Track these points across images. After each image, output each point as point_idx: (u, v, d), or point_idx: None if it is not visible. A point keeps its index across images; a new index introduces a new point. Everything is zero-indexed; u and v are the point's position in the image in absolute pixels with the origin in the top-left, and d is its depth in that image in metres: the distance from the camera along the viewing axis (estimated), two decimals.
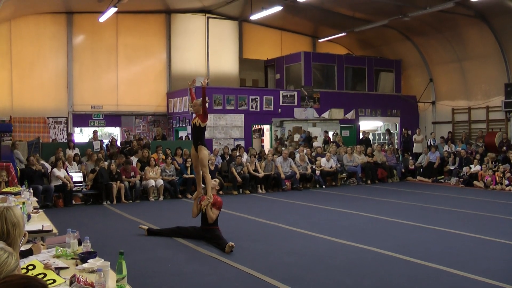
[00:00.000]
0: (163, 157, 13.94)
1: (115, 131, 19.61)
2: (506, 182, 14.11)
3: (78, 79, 17.82)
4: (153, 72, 19.25)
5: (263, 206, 11.76)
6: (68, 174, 12.03)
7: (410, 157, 17.96)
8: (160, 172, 13.07)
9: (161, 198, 12.77)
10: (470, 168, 15.51)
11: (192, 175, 13.11)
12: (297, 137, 19.47)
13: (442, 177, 16.67)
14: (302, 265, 6.21)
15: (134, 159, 13.52)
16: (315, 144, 17.57)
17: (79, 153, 13.56)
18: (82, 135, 19.20)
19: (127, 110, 18.61)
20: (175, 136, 18.60)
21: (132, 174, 12.64)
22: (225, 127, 17.49)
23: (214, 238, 7.27)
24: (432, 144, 18.31)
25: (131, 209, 11.17)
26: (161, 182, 12.78)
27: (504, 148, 16.62)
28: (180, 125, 18.28)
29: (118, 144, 16.00)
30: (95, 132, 15.49)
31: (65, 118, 17.66)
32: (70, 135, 15.76)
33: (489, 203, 11.78)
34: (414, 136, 19.43)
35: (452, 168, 16.67)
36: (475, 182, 15.02)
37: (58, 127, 17.50)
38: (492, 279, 5.43)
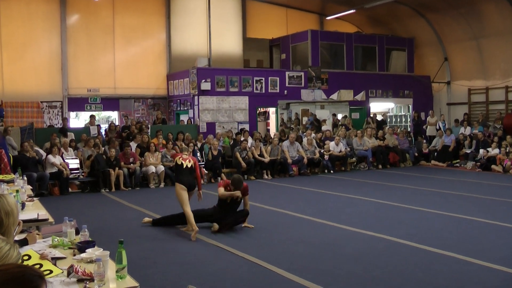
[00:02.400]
0: (164, 142, 13.93)
1: (113, 115, 19.60)
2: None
3: (73, 61, 17.77)
4: (152, 53, 19.16)
5: (269, 192, 11.77)
6: (64, 160, 12.05)
7: (424, 140, 17.88)
8: (161, 157, 13.07)
9: (162, 185, 12.80)
10: (488, 151, 15.43)
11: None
12: (304, 120, 19.41)
13: (457, 161, 16.60)
14: (310, 254, 6.21)
15: (133, 145, 13.53)
16: (324, 127, 17.51)
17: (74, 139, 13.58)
18: (78, 120, 19.20)
19: (125, 93, 18.58)
20: (176, 120, 18.58)
21: (131, 160, 12.66)
22: (229, 110, 17.45)
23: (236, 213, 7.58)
24: (442, 127, 18.20)
25: (131, 196, 11.20)
26: (162, 168, 12.80)
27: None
28: (181, 108, 18.25)
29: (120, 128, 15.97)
30: (92, 117, 15.48)
31: (60, 102, 17.64)
32: (65, 120, 15.74)
33: (508, 188, 11.73)
34: (427, 118, 19.31)
35: (468, 151, 16.58)
36: (493, 166, 14.95)
37: (53, 111, 17.50)
38: (511, 268, 5.41)
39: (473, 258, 5.81)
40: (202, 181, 12.90)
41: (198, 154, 13.81)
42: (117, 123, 17.30)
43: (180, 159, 7.93)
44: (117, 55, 18.45)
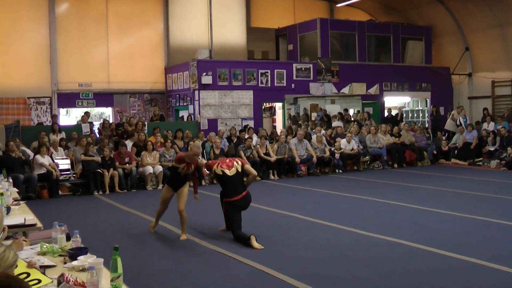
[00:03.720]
0: (162, 140, 13.92)
1: (107, 112, 19.63)
2: None
3: (62, 54, 17.78)
4: (149, 44, 19.17)
5: (275, 194, 11.74)
6: (53, 161, 12.06)
7: (443, 137, 17.81)
8: (159, 157, 13.07)
9: (160, 186, 12.78)
10: None
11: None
12: (313, 115, 19.37)
13: (480, 159, 16.52)
14: (321, 260, 6.18)
15: (129, 143, 13.54)
16: (335, 123, 17.47)
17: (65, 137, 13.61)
18: (69, 117, 19.24)
19: (119, 88, 18.60)
20: (175, 117, 18.60)
21: (127, 160, 12.66)
22: (232, 106, 17.44)
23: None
24: (463, 122, 18.11)
25: (126, 199, 11.20)
26: (160, 168, 12.79)
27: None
28: (180, 104, 18.26)
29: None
30: (86, 114, 15.50)
31: (49, 98, 17.67)
32: (55, 117, 15.76)
33: None
34: (453, 112, 19.15)
35: (492, 149, 16.49)
36: None
37: (41, 108, 17.53)
38: None
39: (498, 265, 5.76)
40: (203, 183, 13.03)
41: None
42: (111, 120, 17.31)
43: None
44: (111, 46, 18.47)
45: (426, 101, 21.69)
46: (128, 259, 5.88)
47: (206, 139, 14.73)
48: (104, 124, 15.39)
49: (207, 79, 16.88)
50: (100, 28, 18.33)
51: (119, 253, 3.14)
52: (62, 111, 18.59)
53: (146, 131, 14.57)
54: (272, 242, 7.16)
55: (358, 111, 19.18)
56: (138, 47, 18.92)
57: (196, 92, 17.03)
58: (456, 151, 17.15)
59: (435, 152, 17.01)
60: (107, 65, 18.46)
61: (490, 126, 17.84)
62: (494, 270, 5.63)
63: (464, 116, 18.89)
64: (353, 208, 9.64)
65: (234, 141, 15.22)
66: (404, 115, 21.62)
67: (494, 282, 5.28)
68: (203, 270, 5.90)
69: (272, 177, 14.09)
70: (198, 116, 16.88)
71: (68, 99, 17.98)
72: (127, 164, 12.61)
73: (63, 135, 13.78)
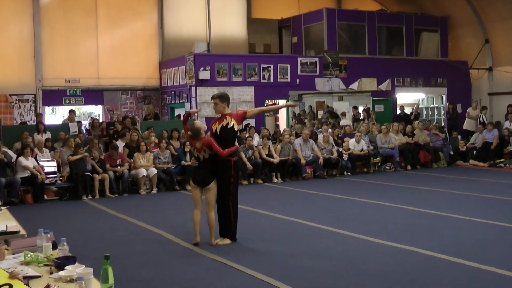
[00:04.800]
0: (156, 140, 13.91)
1: (97, 110, 19.65)
2: None
3: (48, 48, 17.79)
4: (142, 37, 19.18)
5: (279, 198, 11.73)
6: (38, 163, 12.06)
7: (460, 136, 17.78)
8: (153, 159, 13.07)
9: (155, 190, 12.80)
10: None
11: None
12: (320, 113, 19.37)
13: (501, 160, 16.49)
14: (328, 270, 6.17)
15: (120, 144, 13.54)
16: (343, 122, 17.45)
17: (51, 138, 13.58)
18: (55, 115, 19.25)
19: (110, 84, 18.61)
20: (171, 115, 18.60)
21: (118, 162, 12.67)
22: (232, 103, 17.21)
23: None
24: (484, 121, 18.11)
25: (118, 204, 11.18)
26: (154, 171, 12.80)
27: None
28: (176, 101, 18.27)
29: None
30: (71, 112, 15.49)
31: (33, 96, 17.69)
32: (39, 115, 15.77)
33: None
34: (468, 110, 19.16)
35: None
36: None
37: (24, 106, 17.54)
38: None
39: None
40: None
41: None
42: (101, 119, 17.32)
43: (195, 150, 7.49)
44: (101, 39, 18.48)
45: (442, 97, 21.68)
46: (120, 268, 5.87)
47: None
48: (94, 124, 15.40)
49: (204, 75, 16.88)
50: (89, 20, 18.35)
51: (110, 263, 3.14)
52: (48, 109, 18.61)
53: (139, 130, 14.56)
54: (275, 250, 7.15)
55: (368, 109, 19.16)
56: (130, 40, 18.94)
57: (193, 88, 17.04)
58: (475, 152, 17.12)
59: (451, 152, 16.99)
60: (97, 59, 18.47)
61: None
62: None
63: (485, 115, 18.87)
64: (362, 214, 9.62)
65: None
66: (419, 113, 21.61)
67: None
68: (201, 281, 5.89)
69: (275, 180, 14.07)
70: (195, 114, 16.86)
71: (54, 97, 17.99)
72: (119, 167, 12.61)
73: (48, 135, 13.77)
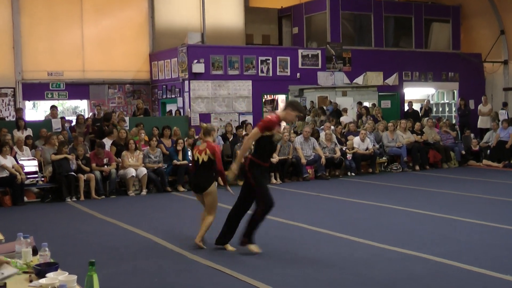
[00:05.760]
0: (146, 138, 13.89)
1: (82, 105, 19.60)
2: None
3: (28, 38, 17.71)
4: (131, 27, 19.13)
5: (278, 200, 11.58)
6: (17, 162, 12.03)
7: (472, 135, 17.79)
8: (143, 158, 13.07)
9: (144, 191, 12.79)
10: None
11: (185, 161, 13.17)
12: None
13: None
14: (330, 278, 6.18)
15: (107, 142, 13.53)
16: (343, 118, 17.45)
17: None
18: (36, 111, 19.20)
19: (96, 78, 18.56)
20: (162, 111, 18.57)
21: (105, 161, 12.65)
22: (227, 98, 17.42)
23: None
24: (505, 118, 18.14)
25: (105, 206, 11.16)
26: (144, 171, 12.79)
27: None
28: (167, 96, 18.24)
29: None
30: (53, 108, 15.44)
31: (12, 89, 17.62)
32: (19, 111, 15.72)
33: None
34: (479, 107, 19.20)
35: None
36: None
37: (3, 101, 17.49)
38: None
39: None
40: None
41: (190, 153, 13.81)
42: (86, 115, 17.29)
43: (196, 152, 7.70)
44: (86, 29, 18.43)
45: (454, 93, 21.67)
46: (106, 275, 5.87)
47: (197, 136, 14.69)
48: (79, 120, 15.37)
49: (198, 68, 16.85)
50: (73, 7, 18.27)
51: (95, 269, 3.13)
52: (28, 104, 18.55)
53: (127, 128, 14.55)
54: (273, 255, 7.15)
55: (374, 105, 19.16)
56: (118, 30, 18.88)
57: (186, 82, 17.01)
58: (488, 151, 17.13)
59: (463, 152, 16.99)
60: (82, 51, 18.41)
61: None
62: None
63: (506, 111, 18.86)
64: (367, 217, 9.63)
65: (230, 139, 15.20)
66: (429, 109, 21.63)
67: None
68: None
69: (274, 180, 14.05)
70: (188, 110, 16.85)
71: (35, 90, 17.92)
72: (106, 166, 12.59)
73: (29, 132, 13.72)
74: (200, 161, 7.55)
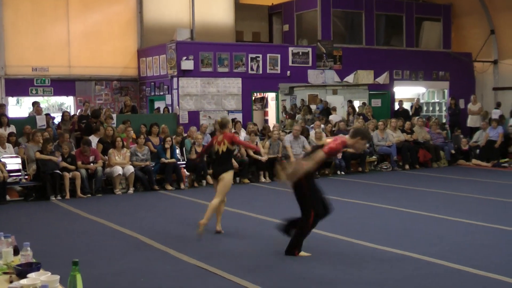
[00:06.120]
0: (134, 136, 13.82)
1: (68, 102, 19.49)
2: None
3: (11, 32, 17.57)
4: (119, 22, 19.06)
5: (267, 199, 11.72)
6: (0, 160, 11.93)
7: (462, 135, 17.86)
8: (130, 156, 13.01)
9: (131, 190, 12.73)
10: None
11: (173, 160, 13.13)
12: (312, 108, 19.37)
13: (506, 160, 16.60)
14: (320, 277, 6.15)
15: (94, 139, 13.45)
16: (332, 117, 17.44)
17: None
18: (20, 107, 19.07)
19: (83, 74, 18.47)
20: (150, 108, 18.52)
21: (91, 158, 12.57)
22: (217, 96, 17.39)
23: None
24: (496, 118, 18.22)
25: (90, 205, 11.09)
26: (131, 169, 12.74)
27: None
28: (155, 93, 18.18)
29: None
30: (36, 104, 15.30)
31: None
32: (2, 107, 15.59)
33: None
34: (468, 106, 19.28)
35: None
36: None
37: None
38: None
39: None
40: (182, 186, 12.99)
41: (178, 151, 13.78)
42: (72, 112, 17.19)
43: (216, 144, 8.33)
44: (73, 24, 18.33)
45: (444, 92, 21.75)
46: (91, 276, 5.80)
47: (186, 134, 14.66)
48: (64, 117, 15.27)
49: (187, 64, 16.81)
50: (59, 2, 18.16)
51: (79, 269, 3.08)
52: (12, 100, 18.43)
53: (114, 125, 14.47)
54: (262, 255, 7.13)
55: (364, 103, 19.18)
56: (105, 25, 18.79)
57: (175, 79, 16.96)
58: (478, 151, 17.20)
59: (453, 151, 17.06)
60: (68, 46, 18.30)
61: None
62: None
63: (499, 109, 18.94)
64: (357, 217, 9.64)
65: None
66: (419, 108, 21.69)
67: None
68: None
69: (263, 179, 14.05)
70: (177, 107, 16.81)
71: (19, 86, 17.78)
72: (92, 164, 12.51)
73: (12, 129, 13.60)
74: (220, 151, 8.25)
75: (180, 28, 18.34)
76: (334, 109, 18.56)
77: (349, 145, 7.08)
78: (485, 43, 21.38)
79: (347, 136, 7.06)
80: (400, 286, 5.84)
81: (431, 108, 22.23)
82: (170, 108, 17.08)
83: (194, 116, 16.91)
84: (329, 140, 7.16)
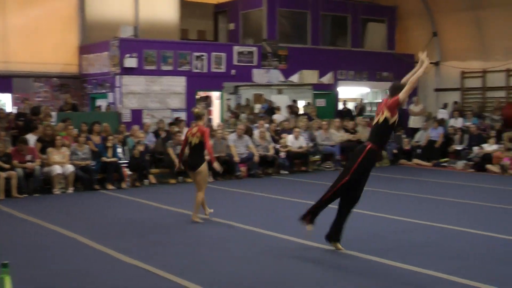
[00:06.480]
0: (75, 134, 13.62)
1: (4, 99, 18.95)
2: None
3: None
4: (59, 17, 18.66)
5: (210, 198, 11.63)
6: None
7: (404, 135, 18.24)
8: (70, 154, 12.82)
9: (71, 189, 12.55)
10: (482, 148, 15.89)
11: (115, 159, 13.01)
12: (257, 107, 19.45)
13: (446, 159, 17.04)
14: (260, 276, 6.20)
15: (31, 137, 13.19)
16: (276, 116, 17.57)
17: None
18: None
19: (21, 70, 17.98)
20: (91, 106, 18.23)
21: (29, 157, 12.33)
22: (160, 94, 17.26)
23: None
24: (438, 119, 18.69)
25: (27, 205, 10.91)
26: (70, 168, 12.56)
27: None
28: (97, 91, 17.91)
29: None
30: None
31: None
32: None
33: (509, 192, 12.19)
34: (410, 107, 19.74)
35: (459, 148, 17.04)
36: (488, 166, 15.41)
37: None
38: None
39: (463, 279, 5.92)
40: (124, 185, 12.87)
41: (120, 150, 13.64)
42: (8, 110, 16.77)
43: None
44: (10, 18, 17.81)
45: (387, 92, 22.09)
46: (22, 279, 5.68)
47: (128, 133, 14.52)
48: (0, 114, 14.90)
49: (131, 62, 16.62)
50: None
51: (8, 271, 3.02)
52: None
53: (54, 123, 14.21)
54: (202, 254, 7.14)
55: (309, 103, 19.37)
56: (45, 20, 18.36)
57: (118, 77, 16.74)
58: (419, 150, 17.61)
59: (395, 151, 17.41)
60: (5, 41, 17.77)
61: (458, 122, 18.43)
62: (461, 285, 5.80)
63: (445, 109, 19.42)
64: (295, 215, 9.72)
65: (162, 136, 15.07)
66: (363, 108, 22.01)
67: None
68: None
69: None
70: (120, 106, 16.61)
71: None
72: (29, 163, 12.26)
73: None
74: (193, 143, 8.83)
75: (124, 25, 18.10)
76: (279, 108, 18.67)
77: (401, 100, 7.01)
78: (427, 45, 21.85)
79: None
80: (337, 282, 5.96)
81: (374, 108, 22.56)
82: (112, 106, 16.86)
83: (137, 115, 16.72)
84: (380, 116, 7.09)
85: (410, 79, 7.17)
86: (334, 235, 7.21)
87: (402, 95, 6.96)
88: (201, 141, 8.74)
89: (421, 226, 8.77)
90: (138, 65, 16.83)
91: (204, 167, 8.90)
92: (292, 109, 18.89)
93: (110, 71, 17.01)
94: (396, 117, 7.00)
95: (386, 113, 6.98)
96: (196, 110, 9.15)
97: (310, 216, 7.26)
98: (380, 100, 21.73)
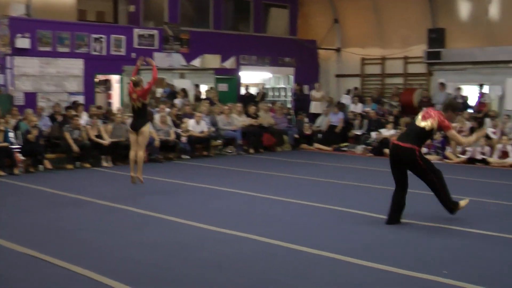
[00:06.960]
0: None
1: None
2: (425, 149, 15.13)
3: None
4: None
5: (109, 184, 11.56)
6: None
7: (306, 119, 18.60)
8: None
9: None
10: (381, 133, 16.46)
11: (6, 144, 12.52)
12: (159, 91, 19.21)
13: (346, 144, 17.55)
14: (158, 261, 6.17)
15: None
16: (177, 101, 17.47)
17: None
18: None
19: None
20: None
21: None
22: (56, 77, 16.72)
23: None
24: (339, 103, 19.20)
25: None
26: None
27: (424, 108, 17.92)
28: None
29: None
30: None
31: None
32: None
33: None
34: (311, 93, 20.15)
35: (358, 133, 17.60)
36: (386, 150, 15.93)
37: None
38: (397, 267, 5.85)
39: (354, 258, 6.16)
40: (16, 171, 12.40)
41: (12, 134, 13.11)
42: None
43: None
44: None
45: (289, 78, 22.44)
46: None
47: (21, 117, 13.99)
48: None
49: (23, 43, 15.97)
50: None
51: None
52: None
53: None
54: (98, 241, 7.03)
55: (211, 88, 19.37)
56: None
57: (9, 58, 16.05)
58: (320, 135, 18.03)
59: (296, 136, 17.74)
60: None
61: (357, 108, 19.02)
62: (348, 264, 6.04)
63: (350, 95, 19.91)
64: (199, 200, 9.78)
65: (59, 121, 14.63)
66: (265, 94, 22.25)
67: (347, 277, 5.69)
68: (6, 278, 5.62)
69: (105, 164, 13.83)
70: (11, 88, 15.95)
71: None
72: None
73: None
74: (136, 107, 9.80)
75: (15, 2, 17.33)
76: (180, 93, 18.53)
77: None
78: (328, 31, 22.33)
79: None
80: (238, 265, 6.02)
81: (276, 94, 22.88)
82: (4, 88, 16.16)
83: (31, 98, 16.11)
84: (426, 122, 7.81)
85: (460, 138, 8.77)
86: (395, 220, 7.91)
87: (452, 131, 7.94)
88: (144, 104, 9.86)
89: (319, 209, 9.01)
90: (32, 46, 16.20)
91: (146, 128, 9.96)
92: (195, 93, 18.81)
93: (0, 52, 16.28)
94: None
95: (434, 125, 7.75)
96: (133, 78, 10.04)
97: (454, 203, 7.98)
98: (282, 86, 22.13)
